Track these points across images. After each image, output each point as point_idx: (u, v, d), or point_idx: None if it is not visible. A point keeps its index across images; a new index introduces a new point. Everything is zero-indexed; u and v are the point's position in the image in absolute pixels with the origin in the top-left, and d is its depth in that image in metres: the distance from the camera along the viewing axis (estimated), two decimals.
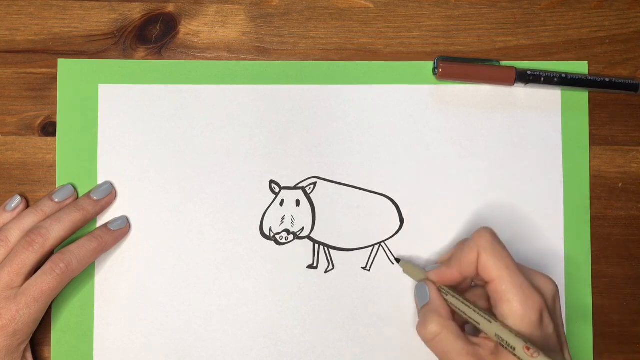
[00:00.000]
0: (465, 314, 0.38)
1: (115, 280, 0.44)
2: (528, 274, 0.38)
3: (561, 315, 0.39)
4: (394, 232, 0.45)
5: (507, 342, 0.35)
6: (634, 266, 0.46)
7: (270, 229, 0.44)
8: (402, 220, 0.45)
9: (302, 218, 0.44)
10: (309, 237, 0.44)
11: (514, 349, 0.34)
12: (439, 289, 0.40)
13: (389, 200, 0.45)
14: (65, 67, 0.44)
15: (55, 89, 0.44)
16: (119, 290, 0.44)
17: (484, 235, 0.38)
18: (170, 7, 0.45)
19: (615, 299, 0.45)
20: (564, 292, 0.45)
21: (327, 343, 0.44)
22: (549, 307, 0.37)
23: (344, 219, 0.45)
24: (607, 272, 0.45)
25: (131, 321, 0.44)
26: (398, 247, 0.44)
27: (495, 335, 0.36)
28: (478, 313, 0.37)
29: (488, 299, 0.39)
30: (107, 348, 0.43)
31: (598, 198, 0.46)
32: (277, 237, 0.44)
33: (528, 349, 0.34)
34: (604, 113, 0.46)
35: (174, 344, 0.44)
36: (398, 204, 0.45)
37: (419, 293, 0.41)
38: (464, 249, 0.39)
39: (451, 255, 0.41)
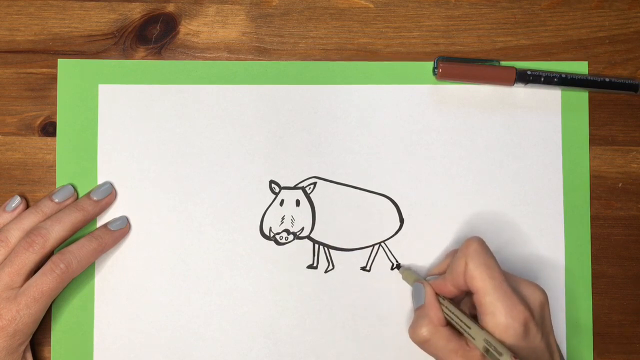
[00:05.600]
0: (457, 319, 0.38)
1: (115, 280, 0.44)
2: (515, 283, 0.38)
3: (551, 324, 0.39)
4: (394, 232, 0.45)
5: (495, 348, 0.35)
6: (634, 266, 0.46)
7: (270, 229, 0.44)
8: (402, 220, 0.45)
9: (302, 218, 0.44)
10: (309, 237, 0.44)
11: (501, 354, 0.34)
12: (437, 293, 0.40)
13: (389, 200, 0.45)
14: (65, 67, 0.44)
15: (55, 89, 0.44)
16: (119, 290, 0.44)
17: (472, 244, 0.38)
18: (170, 7, 0.45)
19: (615, 299, 0.45)
20: (564, 292, 0.45)
21: (327, 343, 0.44)
22: (536, 317, 0.37)
23: (344, 219, 0.45)
24: (607, 272, 0.45)
25: (131, 321, 0.44)
26: (398, 247, 0.44)
27: (484, 340, 0.36)
28: (470, 319, 0.37)
29: None
30: (107, 348, 0.43)
31: (598, 198, 0.46)
32: (277, 237, 0.44)
33: (515, 357, 0.34)
34: (604, 113, 0.46)
35: (174, 344, 0.44)
36: (398, 204, 0.45)
37: (415, 294, 0.41)
38: (455, 260, 0.39)
39: (446, 267, 0.41)
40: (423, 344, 0.38)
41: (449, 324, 0.39)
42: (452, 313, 0.38)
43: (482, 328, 0.36)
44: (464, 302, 0.41)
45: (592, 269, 0.45)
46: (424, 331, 0.38)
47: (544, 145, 0.45)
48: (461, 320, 0.37)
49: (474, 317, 0.39)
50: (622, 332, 0.45)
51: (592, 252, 0.45)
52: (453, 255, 0.41)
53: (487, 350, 0.35)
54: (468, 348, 0.37)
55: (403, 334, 0.44)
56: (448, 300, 0.39)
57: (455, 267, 0.38)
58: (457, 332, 0.38)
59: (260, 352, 0.44)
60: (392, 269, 0.44)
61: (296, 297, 0.44)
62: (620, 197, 0.46)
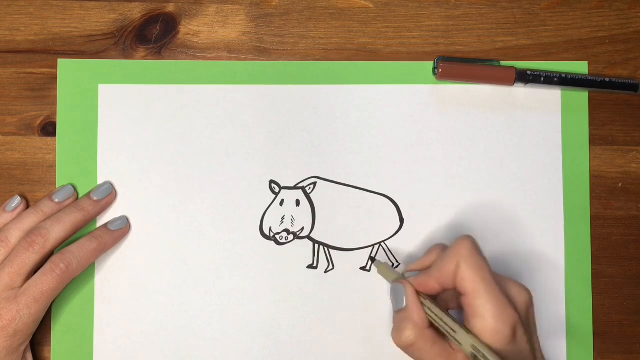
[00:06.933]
0: (441, 321, 0.37)
1: (115, 280, 0.44)
2: (503, 284, 0.37)
3: (535, 324, 0.38)
4: (394, 232, 0.45)
5: (482, 354, 0.34)
6: (634, 266, 0.46)
7: (270, 229, 0.44)
8: (402, 220, 0.45)
9: (302, 218, 0.44)
10: (309, 237, 0.44)
11: None
12: (417, 292, 0.38)
13: (389, 200, 0.45)
14: (65, 67, 0.44)
15: (55, 89, 0.44)
16: (119, 290, 0.44)
17: (465, 244, 0.37)
18: (170, 7, 0.45)
19: (615, 299, 0.45)
20: (564, 292, 0.45)
21: (327, 343, 0.44)
22: (523, 319, 0.36)
23: (344, 219, 0.45)
24: (607, 272, 0.45)
25: (131, 321, 0.44)
26: (398, 247, 0.44)
27: (472, 346, 0.35)
28: (456, 322, 0.36)
29: (456, 303, 0.39)
30: (107, 348, 0.43)
31: (598, 198, 0.46)
32: (277, 237, 0.44)
33: None
34: (604, 113, 0.46)
35: (174, 344, 0.44)
36: (398, 204, 0.45)
37: (395, 295, 0.39)
38: (444, 258, 0.37)
39: (430, 263, 0.39)
40: (408, 348, 0.37)
41: (431, 325, 0.38)
42: (436, 315, 0.37)
43: (469, 332, 0.36)
44: (440, 297, 0.40)
45: (592, 269, 0.45)
46: (409, 335, 0.37)
47: (544, 145, 0.45)
48: (446, 324, 0.37)
49: (451, 315, 0.38)
50: (622, 332, 0.45)
51: (592, 252, 0.45)
52: (438, 251, 0.39)
53: (474, 356, 0.35)
54: (452, 350, 0.37)
55: None
56: (430, 300, 0.38)
57: (444, 266, 0.37)
58: (440, 333, 0.37)
59: (260, 352, 0.44)
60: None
61: (296, 297, 0.44)
62: (620, 197, 0.46)
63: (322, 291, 0.44)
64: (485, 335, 0.35)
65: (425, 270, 0.39)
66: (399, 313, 0.38)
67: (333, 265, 0.44)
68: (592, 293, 0.45)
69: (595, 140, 0.46)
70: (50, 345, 0.43)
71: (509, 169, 0.45)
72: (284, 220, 0.44)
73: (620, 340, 0.45)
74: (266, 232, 0.44)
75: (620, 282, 0.45)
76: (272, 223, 0.44)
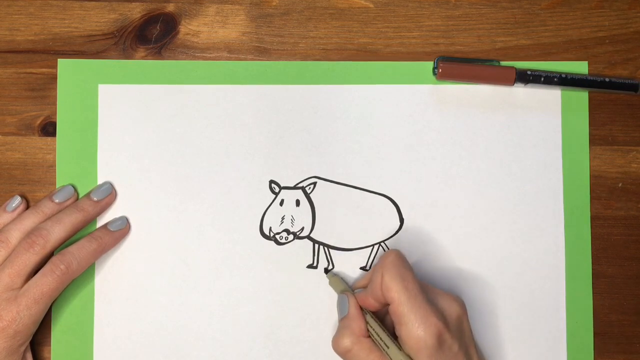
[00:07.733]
0: (377, 336, 0.38)
1: (115, 280, 0.44)
2: (433, 295, 0.38)
3: (471, 335, 0.39)
4: (394, 232, 0.45)
5: None
6: (634, 266, 0.46)
7: (270, 229, 0.44)
8: (402, 220, 0.45)
9: (302, 218, 0.44)
10: (309, 237, 0.44)
11: None
12: (361, 306, 0.40)
13: (389, 200, 0.45)
14: (65, 67, 0.44)
15: (55, 89, 0.44)
16: (119, 290, 0.44)
17: (389, 256, 0.39)
18: (170, 7, 0.45)
19: (615, 299, 0.45)
20: (564, 292, 0.45)
21: (327, 343, 0.44)
22: (452, 329, 0.37)
23: (344, 219, 0.45)
24: (607, 272, 0.45)
25: (131, 321, 0.44)
26: (398, 247, 0.44)
27: None
28: (391, 339, 0.38)
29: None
30: (107, 348, 0.43)
31: (598, 198, 0.46)
32: (277, 237, 0.44)
33: None
34: (604, 113, 0.46)
35: (174, 344, 0.44)
36: (398, 204, 0.45)
37: (339, 305, 0.41)
38: (373, 273, 0.39)
39: (369, 280, 0.41)
40: (345, 354, 0.39)
41: (370, 336, 0.39)
42: (374, 329, 0.39)
43: (401, 349, 0.37)
44: (389, 316, 0.41)
45: (592, 269, 0.45)
46: (346, 342, 0.38)
47: (544, 145, 0.45)
48: (381, 339, 0.38)
49: (387, 332, 0.39)
50: (622, 332, 0.45)
51: (592, 252, 0.45)
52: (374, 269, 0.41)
53: None
54: None
55: None
56: (371, 315, 0.40)
57: (373, 280, 0.39)
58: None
59: (260, 352, 0.44)
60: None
61: (296, 297, 0.44)
62: (620, 197, 0.46)
63: (322, 291, 0.44)
64: (409, 343, 0.36)
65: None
66: (341, 321, 0.40)
67: (333, 265, 0.44)
68: (592, 293, 0.45)
69: (595, 140, 0.46)
70: (50, 345, 0.43)
71: (509, 169, 0.45)
72: (284, 220, 0.44)
73: (620, 340, 0.45)
74: (266, 232, 0.44)
75: (620, 282, 0.45)
76: (272, 223, 0.44)
